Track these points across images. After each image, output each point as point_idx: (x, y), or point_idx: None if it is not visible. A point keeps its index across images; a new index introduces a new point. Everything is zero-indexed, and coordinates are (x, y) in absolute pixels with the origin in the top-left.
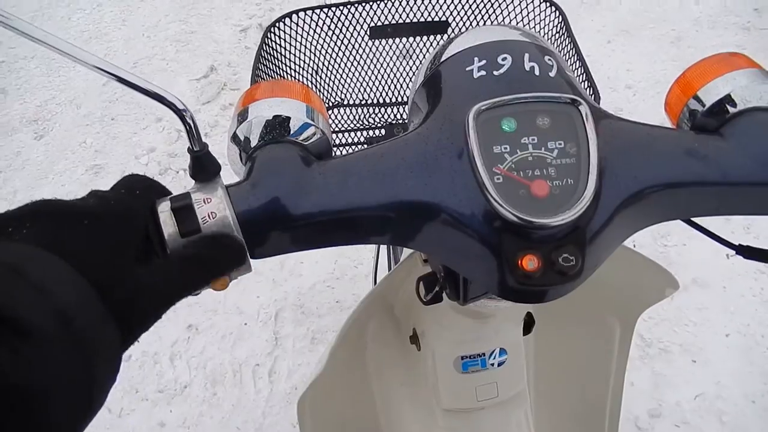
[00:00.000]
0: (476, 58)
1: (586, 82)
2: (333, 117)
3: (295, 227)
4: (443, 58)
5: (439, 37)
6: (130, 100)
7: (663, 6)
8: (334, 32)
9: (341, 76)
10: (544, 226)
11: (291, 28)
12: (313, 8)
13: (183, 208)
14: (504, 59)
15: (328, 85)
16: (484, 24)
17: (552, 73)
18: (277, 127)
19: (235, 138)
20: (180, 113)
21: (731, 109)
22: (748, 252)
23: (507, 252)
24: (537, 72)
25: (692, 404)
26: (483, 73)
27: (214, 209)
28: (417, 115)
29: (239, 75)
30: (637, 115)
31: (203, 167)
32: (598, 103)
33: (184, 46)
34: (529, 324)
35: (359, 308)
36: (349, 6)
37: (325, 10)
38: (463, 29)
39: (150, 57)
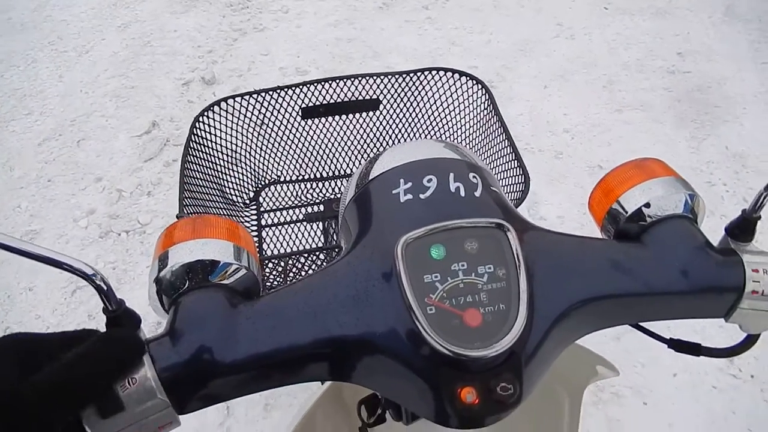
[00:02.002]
0: (402, 180)
1: (515, 162)
2: (270, 195)
3: (224, 378)
4: (371, 177)
5: (371, 114)
6: (68, 159)
7: (594, 52)
8: (265, 115)
9: (276, 154)
10: (480, 359)
11: (220, 116)
12: (242, 95)
13: None
14: (429, 181)
15: (263, 164)
16: (415, 103)
17: (477, 193)
18: (200, 271)
19: (157, 282)
20: (90, 279)
21: (650, 217)
22: (678, 346)
23: (445, 385)
24: (462, 193)
25: None
26: (409, 197)
27: (134, 374)
28: (347, 235)
29: (182, 130)
30: (576, 157)
31: (121, 326)
32: (528, 184)
33: (125, 101)
34: None
35: (311, 402)
36: (279, 90)
37: (255, 95)
38: (395, 106)
39: (89, 114)
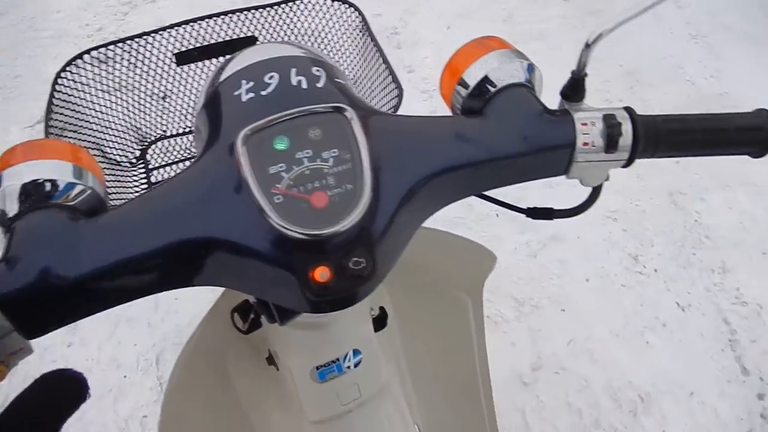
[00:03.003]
0: (243, 81)
1: (389, 77)
2: (158, 152)
3: (73, 295)
4: (219, 81)
5: None
6: None
7: None
8: (137, 66)
9: (157, 107)
10: (329, 237)
11: (86, 70)
12: (105, 45)
13: None
14: (271, 78)
15: (145, 119)
16: (292, 35)
17: (320, 84)
18: (37, 191)
19: None
20: None
21: (490, 89)
22: (534, 214)
23: (299, 269)
24: (304, 85)
25: (566, 350)
26: (251, 95)
27: None
28: (199, 143)
29: None
30: None
31: None
32: (401, 96)
33: (11, 92)
34: (382, 318)
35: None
36: (146, 37)
37: (121, 45)
38: (272, 41)
39: None
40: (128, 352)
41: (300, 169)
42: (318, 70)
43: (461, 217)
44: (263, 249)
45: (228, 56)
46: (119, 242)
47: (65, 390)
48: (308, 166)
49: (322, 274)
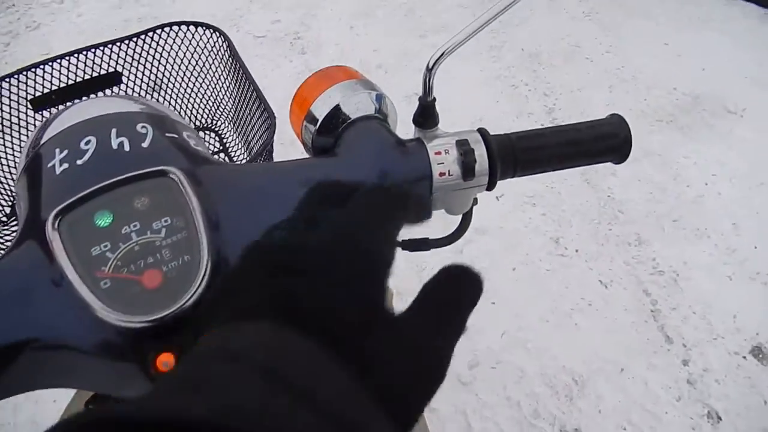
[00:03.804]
0: (57, 150)
1: (258, 102)
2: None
3: None
4: (40, 143)
5: (116, 89)
6: None
7: None
8: None
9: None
10: (163, 319)
11: None
12: None
13: None
14: (87, 143)
15: (13, 173)
16: (160, 67)
17: (146, 143)
18: None
19: None
20: None
21: (339, 124)
22: (409, 246)
23: (138, 361)
24: (127, 147)
25: (501, 343)
26: (65, 166)
27: None
28: (20, 219)
29: None
30: (392, 90)
31: None
32: (273, 125)
33: None
34: None
35: None
36: None
37: None
38: (139, 74)
39: None
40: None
41: (127, 246)
42: (144, 127)
43: None
44: (92, 345)
45: (54, 113)
46: None
47: (466, 284)
48: (137, 241)
49: (164, 362)
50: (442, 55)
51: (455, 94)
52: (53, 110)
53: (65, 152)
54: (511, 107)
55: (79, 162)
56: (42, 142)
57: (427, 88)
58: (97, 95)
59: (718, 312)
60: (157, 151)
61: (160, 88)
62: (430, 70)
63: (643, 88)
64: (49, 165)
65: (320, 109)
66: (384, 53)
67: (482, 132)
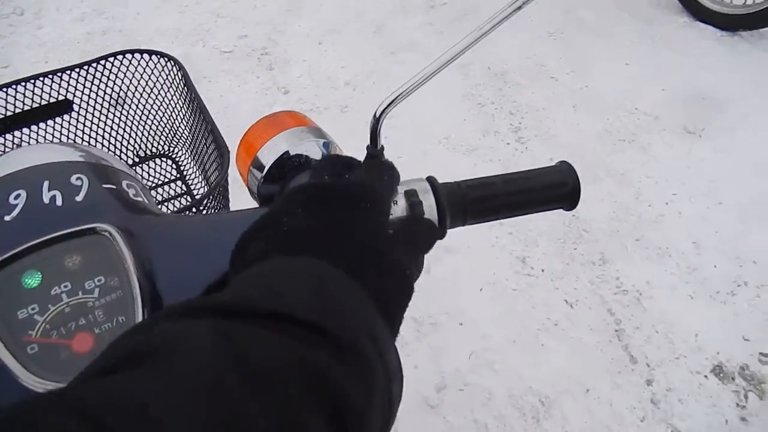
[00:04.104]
0: None
1: (210, 136)
2: None
3: None
4: None
5: (67, 118)
6: None
7: (361, 1)
8: None
9: None
10: None
11: None
12: None
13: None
14: (17, 197)
15: None
16: (113, 95)
17: (80, 197)
18: None
19: None
20: None
21: (286, 173)
22: None
23: None
24: (59, 201)
25: (468, 364)
26: None
27: None
28: None
29: None
30: (360, 108)
31: None
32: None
33: None
34: None
35: None
36: None
37: None
38: (91, 102)
39: None
40: None
41: (57, 308)
42: (80, 179)
43: None
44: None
45: None
46: None
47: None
48: (68, 302)
49: None
50: (390, 103)
51: (424, 111)
52: (0, 139)
53: None
54: (478, 125)
55: (7, 218)
56: None
57: (374, 137)
58: (47, 123)
59: (680, 331)
60: (91, 205)
61: (114, 115)
62: (377, 119)
63: (605, 107)
64: None
65: (267, 157)
66: (352, 70)
67: (431, 181)
